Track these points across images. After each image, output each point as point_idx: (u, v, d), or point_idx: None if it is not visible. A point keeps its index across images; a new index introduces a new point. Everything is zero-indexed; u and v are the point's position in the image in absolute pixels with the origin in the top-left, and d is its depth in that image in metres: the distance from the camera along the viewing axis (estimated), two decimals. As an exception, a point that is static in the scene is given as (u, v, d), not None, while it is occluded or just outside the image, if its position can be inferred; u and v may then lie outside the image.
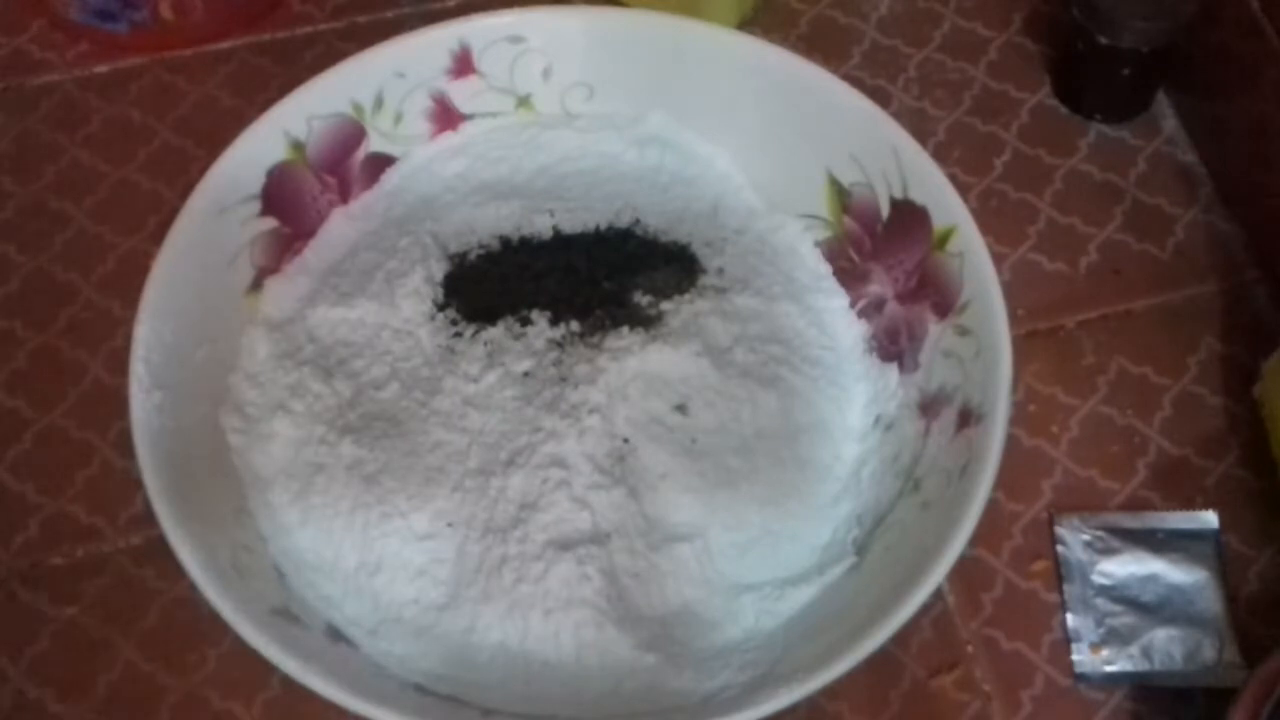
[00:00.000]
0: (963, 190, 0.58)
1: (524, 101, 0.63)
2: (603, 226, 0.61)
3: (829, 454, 0.57)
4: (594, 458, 0.54)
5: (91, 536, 0.57)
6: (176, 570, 0.49)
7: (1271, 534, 0.58)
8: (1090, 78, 0.67)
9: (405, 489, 0.53)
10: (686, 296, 0.58)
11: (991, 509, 0.51)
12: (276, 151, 0.59)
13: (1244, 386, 0.60)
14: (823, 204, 0.61)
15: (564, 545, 0.53)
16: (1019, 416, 0.60)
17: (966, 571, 0.56)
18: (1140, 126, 0.68)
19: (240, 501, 0.54)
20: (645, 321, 0.57)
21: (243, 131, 0.58)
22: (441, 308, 0.58)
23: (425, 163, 0.63)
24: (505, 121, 0.63)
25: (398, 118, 0.61)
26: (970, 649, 0.56)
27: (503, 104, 0.63)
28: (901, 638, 0.51)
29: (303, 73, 0.60)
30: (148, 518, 0.51)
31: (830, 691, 0.51)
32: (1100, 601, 0.56)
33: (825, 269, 0.61)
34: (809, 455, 0.56)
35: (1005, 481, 0.55)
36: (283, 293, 0.59)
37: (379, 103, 0.61)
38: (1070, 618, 0.56)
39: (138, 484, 0.50)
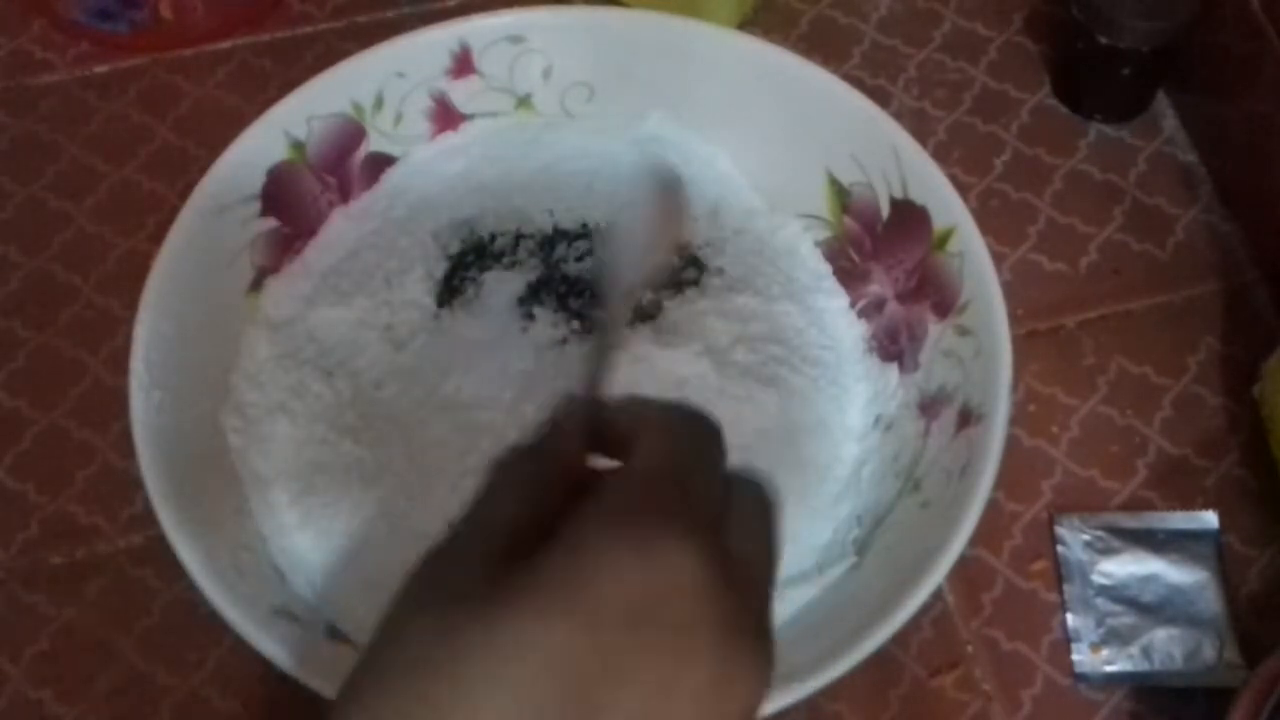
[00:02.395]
0: (963, 190, 0.58)
1: (524, 101, 0.63)
2: (603, 226, 0.61)
3: (829, 454, 0.57)
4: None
5: (91, 536, 0.57)
6: (176, 570, 0.49)
7: (1271, 534, 0.58)
8: (1090, 78, 0.67)
9: (405, 488, 0.53)
10: (687, 296, 0.58)
11: (991, 509, 0.51)
12: (276, 151, 0.59)
13: (1244, 386, 0.60)
14: (823, 204, 0.61)
15: (564, 545, 0.52)
16: (1019, 416, 0.60)
17: (966, 571, 0.56)
18: (1140, 126, 0.68)
19: (240, 501, 0.54)
20: (645, 321, 0.57)
21: (243, 131, 0.58)
22: (441, 307, 0.58)
23: (425, 163, 0.63)
24: (505, 121, 0.63)
25: (398, 118, 0.61)
26: (970, 649, 0.56)
27: (503, 104, 0.63)
28: (901, 638, 0.51)
29: (303, 73, 0.60)
30: (148, 518, 0.51)
31: (830, 691, 0.51)
32: (1100, 601, 0.56)
33: (825, 269, 0.61)
34: (809, 455, 0.56)
35: (1005, 481, 0.55)
36: (283, 293, 0.59)
37: (379, 103, 0.61)
38: (1070, 618, 0.56)
39: (138, 484, 0.50)
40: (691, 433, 0.36)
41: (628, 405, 0.38)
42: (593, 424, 0.37)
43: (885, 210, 0.59)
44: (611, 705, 0.30)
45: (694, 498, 0.34)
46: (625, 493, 0.33)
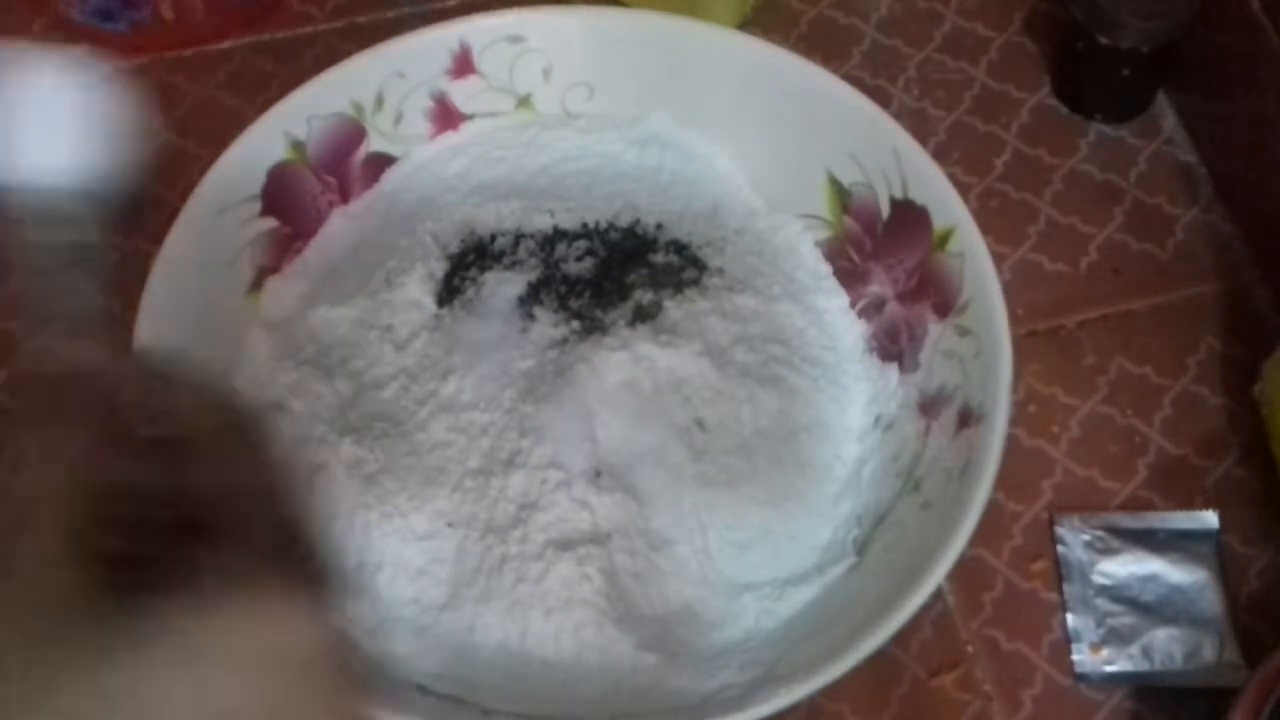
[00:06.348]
0: (963, 190, 0.58)
1: (524, 101, 0.63)
2: (603, 226, 0.61)
3: (829, 454, 0.57)
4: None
5: (91, 536, 0.57)
6: (176, 570, 0.48)
7: (1271, 534, 0.58)
8: (1090, 78, 0.67)
9: (405, 489, 0.53)
10: (687, 296, 0.58)
11: (991, 509, 0.51)
12: (276, 151, 0.59)
13: (1244, 386, 0.60)
14: (823, 204, 0.61)
15: (564, 545, 0.53)
16: (1019, 416, 0.60)
17: (966, 571, 0.56)
18: (1140, 126, 0.68)
19: (240, 501, 0.54)
20: (645, 321, 0.57)
21: (243, 131, 0.58)
22: (441, 307, 0.58)
23: (425, 163, 0.63)
24: (505, 121, 0.63)
25: (398, 118, 0.61)
26: (970, 649, 0.56)
27: (503, 104, 0.63)
28: (901, 638, 0.51)
29: (303, 73, 0.60)
30: (148, 518, 0.51)
31: (830, 691, 0.51)
32: (1100, 601, 0.56)
33: (825, 269, 0.61)
34: (809, 455, 0.56)
35: (1005, 481, 0.55)
36: (283, 292, 0.59)
37: (379, 103, 0.61)
38: (1070, 618, 0.56)
39: (138, 484, 0.50)
40: (267, 454, 0.36)
41: (192, 398, 0.36)
42: (144, 392, 0.35)
43: (885, 210, 0.59)
44: None
45: (296, 537, 0.35)
46: (252, 548, 0.34)
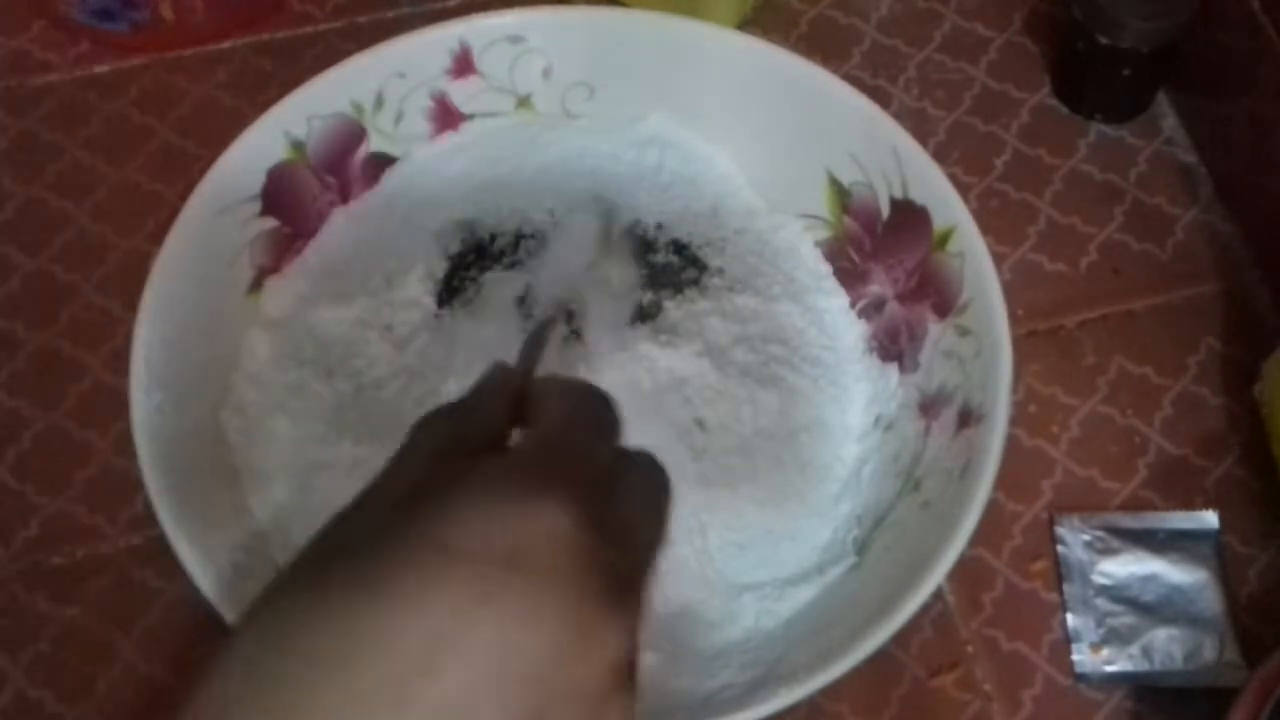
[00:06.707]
0: (963, 190, 0.58)
1: (524, 101, 0.63)
2: (603, 226, 0.61)
3: (829, 454, 0.57)
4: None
5: (91, 536, 0.57)
6: (176, 570, 0.49)
7: (1271, 534, 0.58)
8: (1090, 78, 0.67)
9: (405, 489, 0.53)
10: (687, 296, 0.58)
11: (991, 509, 0.51)
12: (276, 151, 0.59)
13: (1244, 386, 0.60)
14: (823, 204, 0.61)
15: (564, 545, 0.52)
16: (1019, 416, 0.60)
17: (966, 571, 0.56)
18: (1140, 126, 0.68)
19: (240, 501, 0.54)
20: (645, 321, 0.57)
21: (243, 131, 0.58)
22: (441, 307, 0.58)
23: (425, 163, 0.63)
24: (505, 121, 0.63)
25: (398, 117, 0.61)
26: (970, 649, 0.56)
27: (503, 104, 0.63)
28: (901, 638, 0.51)
29: (303, 73, 0.60)
30: (148, 518, 0.51)
31: (830, 691, 0.51)
32: (1100, 601, 0.56)
33: (825, 269, 0.61)
34: (809, 455, 0.56)
35: (1005, 481, 0.55)
36: (283, 292, 0.59)
37: (379, 102, 0.61)
38: (1070, 618, 0.56)
39: (138, 484, 0.50)
40: (584, 401, 0.39)
41: (541, 381, 0.42)
42: (517, 395, 0.41)
43: (885, 210, 0.59)
44: (472, 632, 0.30)
45: (581, 460, 0.35)
46: (520, 453, 0.36)
